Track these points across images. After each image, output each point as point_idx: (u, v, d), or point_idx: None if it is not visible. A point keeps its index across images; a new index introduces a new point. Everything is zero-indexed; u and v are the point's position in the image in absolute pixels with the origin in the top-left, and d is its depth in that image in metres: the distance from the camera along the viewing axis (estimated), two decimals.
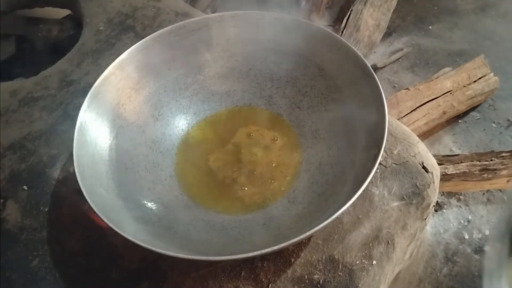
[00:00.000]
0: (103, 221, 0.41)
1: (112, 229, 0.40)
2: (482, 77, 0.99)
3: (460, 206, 0.88)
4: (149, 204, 0.52)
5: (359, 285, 0.47)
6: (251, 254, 0.38)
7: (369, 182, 0.42)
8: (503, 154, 0.78)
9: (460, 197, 0.89)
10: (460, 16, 1.33)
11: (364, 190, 0.41)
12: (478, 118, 1.04)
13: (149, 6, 0.84)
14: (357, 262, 0.49)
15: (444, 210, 0.87)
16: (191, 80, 0.62)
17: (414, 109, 0.91)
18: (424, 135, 0.99)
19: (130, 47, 0.57)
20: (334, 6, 1.26)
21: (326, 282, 0.48)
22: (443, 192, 0.88)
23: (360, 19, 1.07)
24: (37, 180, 0.60)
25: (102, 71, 0.54)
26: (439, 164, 0.65)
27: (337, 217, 0.40)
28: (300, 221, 0.49)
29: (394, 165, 0.56)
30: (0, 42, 1.01)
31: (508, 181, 0.79)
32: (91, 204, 0.42)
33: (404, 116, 0.90)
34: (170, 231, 0.49)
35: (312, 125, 0.58)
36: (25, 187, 0.59)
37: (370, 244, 0.50)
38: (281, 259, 0.49)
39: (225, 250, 0.48)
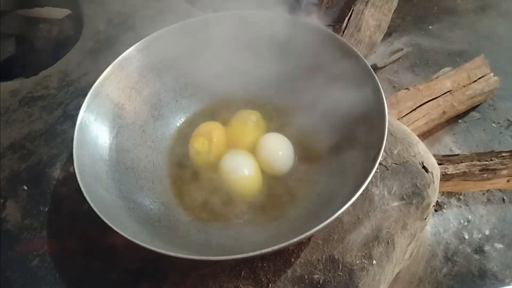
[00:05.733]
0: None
1: (112, 229, 0.40)
2: (482, 77, 0.99)
3: (460, 206, 0.88)
4: (149, 204, 0.52)
5: (359, 285, 0.47)
6: (251, 254, 0.38)
7: (369, 182, 0.42)
8: (503, 154, 0.78)
9: (460, 197, 0.89)
10: (460, 16, 1.33)
11: (364, 190, 0.41)
12: (478, 118, 1.04)
13: (149, 6, 0.84)
14: (357, 262, 0.49)
15: (444, 210, 0.87)
16: (191, 80, 0.62)
17: (414, 109, 0.91)
18: (424, 135, 0.99)
19: (130, 47, 0.57)
20: (335, 6, 1.26)
21: (326, 282, 0.48)
22: (443, 192, 0.88)
23: (361, 20, 1.07)
24: (37, 180, 0.60)
25: (102, 71, 0.54)
26: (439, 164, 0.65)
27: (337, 217, 0.40)
28: (300, 221, 0.49)
29: (394, 165, 0.56)
30: (0, 42, 1.01)
31: (508, 181, 0.79)
32: (91, 204, 0.42)
33: (404, 116, 0.90)
34: (170, 231, 0.49)
35: (313, 125, 0.58)
36: (25, 187, 0.59)
37: (370, 244, 0.50)
38: (281, 259, 0.49)
39: (225, 250, 0.48)
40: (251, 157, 0.55)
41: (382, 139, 0.44)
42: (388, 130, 0.45)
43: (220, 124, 0.60)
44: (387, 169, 0.56)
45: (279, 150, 0.55)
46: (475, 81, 0.98)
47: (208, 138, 0.57)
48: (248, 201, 0.53)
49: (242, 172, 0.53)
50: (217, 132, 0.58)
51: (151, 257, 0.51)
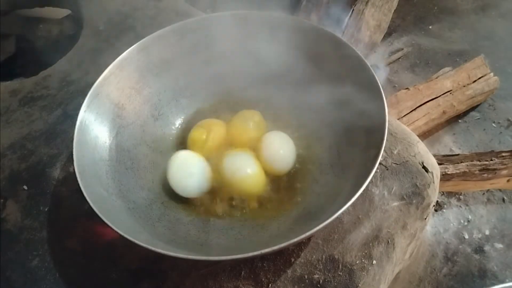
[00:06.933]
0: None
1: (112, 229, 0.40)
2: (482, 77, 0.99)
3: (460, 206, 0.88)
4: (149, 204, 0.51)
5: (359, 284, 0.47)
6: (251, 254, 0.38)
7: (369, 182, 0.42)
8: (503, 154, 0.78)
9: (460, 197, 0.89)
10: (460, 16, 1.33)
11: (364, 190, 0.41)
12: (478, 118, 1.04)
13: (149, 6, 0.84)
14: (357, 262, 0.49)
15: (444, 210, 0.87)
16: (191, 79, 0.62)
17: (414, 109, 0.91)
18: (424, 135, 0.99)
19: (130, 47, 0.57)
20: (335, 6, 1.26)
21: (326, 282, 0.48)
22: (443, 192, 0.88)
23: (361, 20, 1.07)
24: (37, 180, 0.60)
25: (102, 71, 0.54)
26: (439, 164, 0.65)
27: (337, 217, 0.40)
28: (300, 221, 0.49)
29: (394, 165, 0.56)
30: (0, 42, 1.01)
31: (508, 181, 0.80)
32: (91, 204, 0.42)
33: (404, 115, 0.90)
34: (170, 231, 0.49)
35: (313, 125, 0.58)
36: (25, 187, 0.59)
37: (370, 244, 0.50)
38: (281, 259, 0.49)
39: (225, 250, 0.48)
40: (253, 157, 0.55)
41: (382, 139, 0.44)
42: (388, 130, 0.45)
43: (223, 123, 0.60)
44: (387, 169, 0.56)
45: (280, 149, 0.55)
46: (475, 81, 0.98)
47: (208, 131, 0.57)
48: (249, 200, 0.53)
49: (246, 171, 0.53)
50: (218, 127, 0.58)
51: (151, 257, 0.51)
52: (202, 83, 0.62)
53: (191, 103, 0.63)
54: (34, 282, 0.51)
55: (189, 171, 0.53)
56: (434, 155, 0.61)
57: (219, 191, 0.54)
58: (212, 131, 0.57)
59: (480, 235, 0.83)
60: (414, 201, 0.54)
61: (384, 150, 0.44)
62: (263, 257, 0.50)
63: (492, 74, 1.00)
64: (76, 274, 0.52)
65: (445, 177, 0.77)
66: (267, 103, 0.62)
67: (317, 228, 0.39)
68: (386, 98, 0.48)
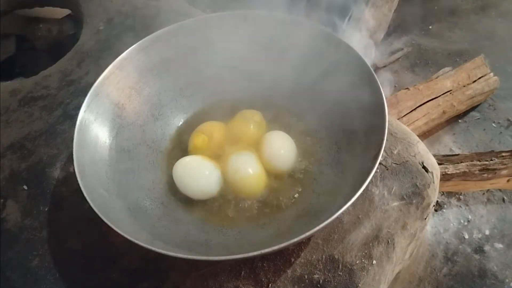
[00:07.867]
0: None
1: (112, 229, 0.40)
2: (482, 76, 0.99)
3: (460, 206, 0.88)
4: (149, 204, 0.52)
5: (359, 284, 0.47)
6: (251, 254, 0.38)
7: (369, 182, 0.42)
8: (503, 154, 0.78)
9: (460, 197, 0.89)
10: (460, 16, 1.33)
11: (364, 190, 0.41)
12: (478, 118, 1.04)
13: (149, 6, 0.84)
14: (357, 262, 0.49)
15: (444, 210, 0.87)
16: (191, 80, 0.62)
17: (414, 109, 0.91)
18: (424, 135, 0.99)
19: (130, 47, 0.57)
20: (335, 6, 1.26)
21: (326, 281, 0.48)
22: (443, 192, 0.88)
23: (361, 20, 1.07)
24: (37, 180, 0.60)
25: (102, 71, 0.54)
26: (439, 164, 0.65)
27: (337, 217, 0.40)
28: (300, 221, 0.49)
29: (394, 165, 0.56)
30: (0, 42, 1.01)
31: (508, 180, 0.80)
32: (91, 204, 0.42)
33: (404, 115, 0.90)
34: (170, 231, 0.49)
35: (313, 125, 0.58)
36: (25, 187, 0.59)
37: (370, 244, 0.50)
38: (281, 259, 0.49)
39: (225, 250, 0.48)
40: (255, 157, 0.55)
41: (382, 139, 0.44)
42: (388, 130, 0.45)
43: (223, 124, 0.60)
44: (387, 169, 0.56)
45: (281, 148, 0.55)
46: (475, 81, 0.98)
47: (209, 136, 0.57)
48: (249, 200, 0.53)
49: (248, 171, 0.53)
50: (219, 132, 0.58)
51: (151, 257, 0.51)
52: (202, 83, 0.62)
53: (191, 103, 0.63)
54: (34, 282, 0.51)
55: (202, 174, 0.53)
56: (434, 155, 0.61)
57: (223, 192, 0.54)
58: (213, 136, 0.57)
59: (480, 235, 0.83)
60: (414, 201, 0.54)
61: (384, 150, 0.44)
62: (263, 257, 0.50)
63: (492, 74, 1.00)
64: (76, 274, 0.52)
65: (445, 177, 0.77)
66: (267, 103, 0.62)
67: (317, 228, 0.39)
68: (386, 98, 0.48)
